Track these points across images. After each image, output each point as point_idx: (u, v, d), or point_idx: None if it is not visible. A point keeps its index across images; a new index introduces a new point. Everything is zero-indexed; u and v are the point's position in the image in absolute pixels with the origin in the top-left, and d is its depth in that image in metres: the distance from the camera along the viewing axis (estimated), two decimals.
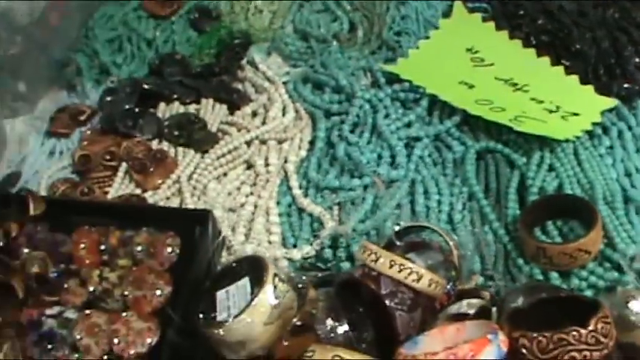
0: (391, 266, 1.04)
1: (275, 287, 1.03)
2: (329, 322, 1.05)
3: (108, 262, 1.19)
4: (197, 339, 1.07)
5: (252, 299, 1.02)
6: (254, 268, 1.07)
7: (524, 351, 0.98)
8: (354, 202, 1.32)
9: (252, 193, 1.35)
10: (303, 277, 1.12)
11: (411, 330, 1.04)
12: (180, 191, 1.35)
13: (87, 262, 1.19)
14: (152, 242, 1.17)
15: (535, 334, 0.97)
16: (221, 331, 1.02)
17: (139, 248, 1.17)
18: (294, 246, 1.27)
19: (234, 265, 1.11)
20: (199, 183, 1.35)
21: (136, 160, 1.38)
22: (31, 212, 1.23)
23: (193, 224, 1.19)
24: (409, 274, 1.04)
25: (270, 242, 1.26)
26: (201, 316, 1.07)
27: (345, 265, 1.21)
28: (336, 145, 1.40)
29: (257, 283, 1.05)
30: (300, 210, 1.32)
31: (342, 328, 1.05)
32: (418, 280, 1.04)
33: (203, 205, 1.30)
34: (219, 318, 1.05)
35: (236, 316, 1.02)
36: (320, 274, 1.17)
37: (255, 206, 1.32)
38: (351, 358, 0.97)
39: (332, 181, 1.34)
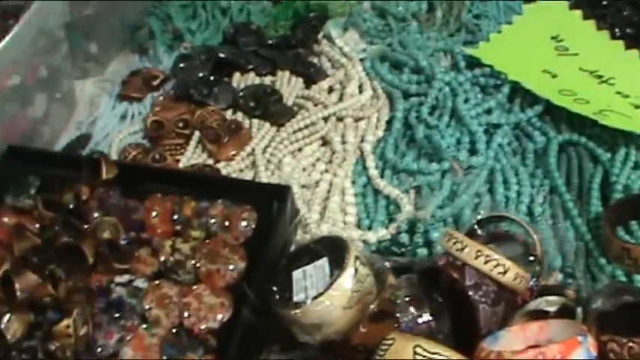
0: (477, 257, 0.99)
1: (356, 271, 0.99)
2: (411, 310, 1.00)
3: (181, 233, 1.14)
4: (270, 318, 1.03)
5: (332, 282, 0.98)
6: (333, 249, 1.02)
7: (611, 356, 0.92)
8: (431, 187, 1.26)
9: (326, 171, 1.30)
10: (386, 263, 1.07)
11: (492, 325, 0.98)
12: (254, 164, 1.30)
13: (159, 231, 1.15)
14: (227, 215, 1.13)
15: (625, 340, 0.92)
16: (298, 312, 0.98)
17: (214, 220, 1.13)
18: (369, 228, 1.21)
19: (311, 244, 1.07)
20: (274, 157, 1.30)
21: (209, 129, 1.33)
22: (104, 176, 1.19)
23: (271, 199, 1.14)
24: (495, 266, 0.98)
25: (345, 223, 1.21)
26: (276, 295, 1.02)
27: (422, 252, 1.15)
28: (415, 128, 1.34)
29: (337, 265, 1.00)
30: (376, 191, 1.27)
31: (424, 318, 0.99)
32: (504, 273, 0.98)
33: (277, 180, 1.26)
34: (296, 298, 1.00)
35: (315, 298, 0.98)
36: (397, 259, 1.12)
37: (330, 184, 1.27)
38: (434, 350, 0.91)
39: (410, 164, 1.28)
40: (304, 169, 1.30)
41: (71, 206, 1.18)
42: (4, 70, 1.25)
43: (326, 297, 0.97)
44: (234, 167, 1.30)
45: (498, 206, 1.23)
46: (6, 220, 1.18)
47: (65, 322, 1.02)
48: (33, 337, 1.05)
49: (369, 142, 1.34)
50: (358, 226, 1.23)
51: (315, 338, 1.00)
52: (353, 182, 1.28)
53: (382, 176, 1.29)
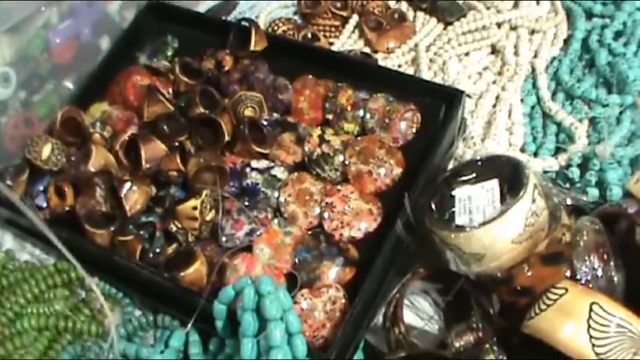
0: None
1: (533, 201, 0.79)
2: (592, 259, 0.79)
3: (332, 123, 0.95)
4: (420, 237, 0.84)
5: (505, 209, 0.78)
6: (507, 172, 0.82)
7: None
8: (608, 122, 1.03)
9: (494, 82, 1.07)
10: (562, 196, 0.85)
11: None
12: (414, 61, 1.09)
13: (307, 117, 0.96)
14: (388, 112, 0.92)
15: None
16: (460, 237, 0.78)
17: (371, 115, 0.93)
18: (535, 154, 1.00)
19: (480, 161, 0.86)
20: (438, 57, 1.09)
21: (370, 15, 1.12)
22: (252, 47, 0.99)
23: (440, 102, 0.93)
24: None
25: (510, 144, 1.00)
26: (434, 212, 0.83)
27: (593, 192, 0.93)
28: (596, 52, 1.10)
29: (511, 191, 0.80)
30: (545, 115, 1.04)
31: (608, 271, 0.78)
32: None
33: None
34: (458, 221, 0.81)
35: (482, 224, 0.77)
36: (575, 196, 0.90)
37: (497, 98, 1.05)
38: (615, 312, 0.71)
39: (588, 91, 1.05)
40: (469, 77, 1.08)
41: (209, 74, 0.99)
42: None
43: (495, 225, 0.77)
44: (393, 61, 1.09)
45: None
46: (138, 79, 1.00)
47: (192, 203, 0.84)
48: (152, 212, 0.89)
49: (542, 59, 1.10)
50: (522, 150, 1.01)
51: (472, 270, 0.81)
52: (521, 100, 1.06)
53: (553, 99, 1.06)
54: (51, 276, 0.89)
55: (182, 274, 0.80)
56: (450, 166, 0.95)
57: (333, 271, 0.83)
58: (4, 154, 0.96)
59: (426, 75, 1.06)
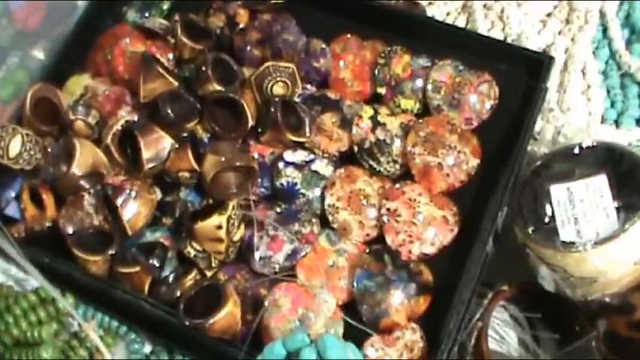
0: None
1: None
2: None
3: (384, 99, 0.70)
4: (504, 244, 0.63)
5: (628, 224, 0.58)
6: (614, 165, 0.64)
7: None
8: None
9: (560, 33, 0.84)
10: None
11: None
12: (466, 9, 0.85)
13: (350, 90, 0.71)
14: (458, 84, 0.68)
15: None
16: (567, 257, 0.60)
17: (435, 89, 0.68)
18: (616, 123, 0.77)
19: (574, 150, 0.64)
20: (494, 2, 0.84)
21: None
22: None
23: (521, 70, 0.70)
24: None
25: (590, 114, 0.77)
26: (526, 219, 0.61)
27: None
28: None
29: (625, 194, 0.63)
30: (622, 73, 0.81)
31: None
32: None
33: (498, 36, 0.80)
34: (564, 235, 0.60)
35: (598, 244, 0.57)
36: None
37: (566, 52, 0.81)
38: None
39: None
40: (532, 26, 0.84)
41: (220, 35, 0.74)
42: None
43: (615, 245, 0.60)
44: (440, 9, 0.85)
45: None
46: (127, 42, 0.74)
47: (215, 221, 0.61)
48: (159, 224, 0.65)
49: (612, 3, 0.86)
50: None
51: (575, 294, 0.63)
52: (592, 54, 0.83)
53: (628, 51, 0.83)
54: (33, 309, 0.66)
55: (211, 321, 0.57)
56: (528, 147, 0.73)
57: (403, 303, 0.60)
58: None
59: (482, 26, 0.83)
